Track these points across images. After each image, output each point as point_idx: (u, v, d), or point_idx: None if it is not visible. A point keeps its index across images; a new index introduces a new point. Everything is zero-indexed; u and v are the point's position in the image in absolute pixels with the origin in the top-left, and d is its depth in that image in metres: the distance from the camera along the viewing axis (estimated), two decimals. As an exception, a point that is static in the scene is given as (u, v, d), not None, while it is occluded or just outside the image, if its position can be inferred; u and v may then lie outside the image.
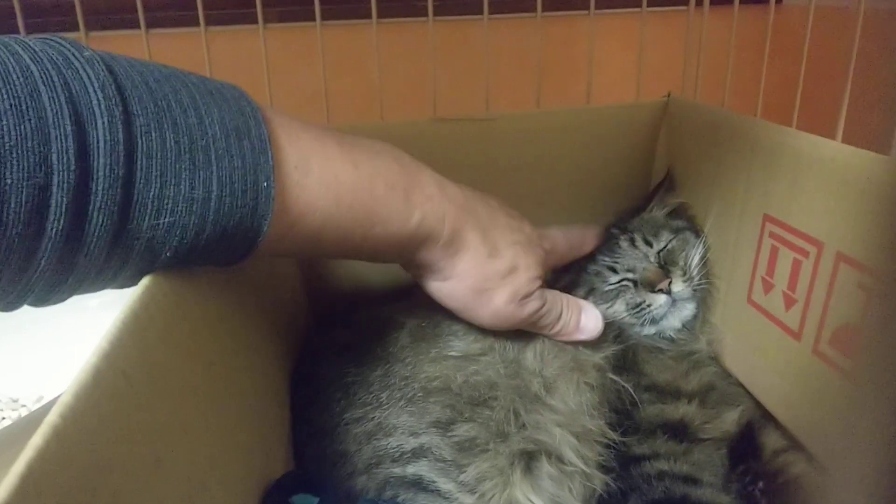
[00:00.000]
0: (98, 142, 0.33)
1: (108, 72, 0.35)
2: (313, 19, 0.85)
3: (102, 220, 0.34)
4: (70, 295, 0.37)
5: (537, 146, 0.82)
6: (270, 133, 0.41)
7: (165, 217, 0.36)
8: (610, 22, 1.01)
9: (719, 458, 0.63)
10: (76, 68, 0.34)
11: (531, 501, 0.55)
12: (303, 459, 0.59)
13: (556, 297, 0.61)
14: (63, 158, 0.32)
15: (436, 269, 0.54)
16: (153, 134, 0.35)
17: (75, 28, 0.80)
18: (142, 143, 0.35)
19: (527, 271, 0.57)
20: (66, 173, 0.32)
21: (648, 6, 0.96)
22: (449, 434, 0.56)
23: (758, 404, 0.66)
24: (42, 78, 0.32)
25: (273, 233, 0.42)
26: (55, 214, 0.32)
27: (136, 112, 0.35)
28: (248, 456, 0.47)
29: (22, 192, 0.31)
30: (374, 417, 0.58)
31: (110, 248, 0.36)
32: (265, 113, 0.42)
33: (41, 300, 0.37)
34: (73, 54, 0.35)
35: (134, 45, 0.82)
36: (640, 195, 0.87)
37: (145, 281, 0.37)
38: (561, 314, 0.61)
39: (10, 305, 0.36)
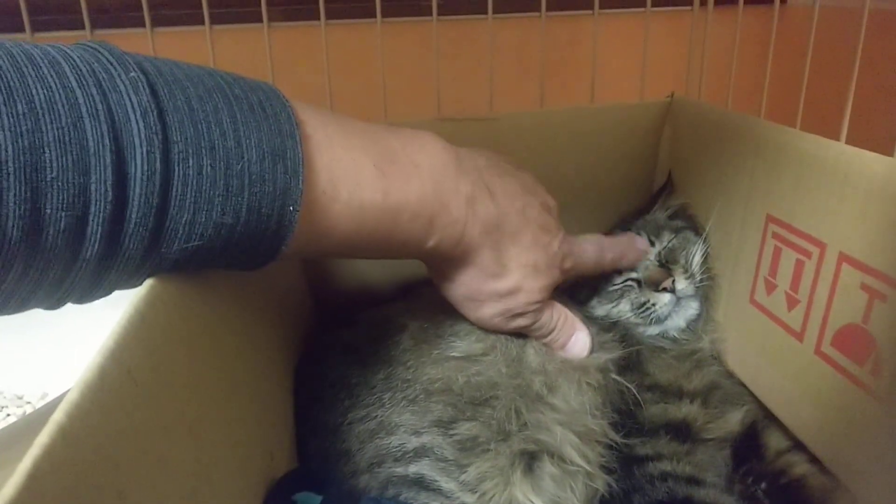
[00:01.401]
0: (136, 171, 0.33)
1: (151, 95, 0.35)
2: (318, 18, 0.85)
3: (134, 245, 0.35)
4: (107, 294, 0.38)
5: (540, 146, 0.83)
6: (306, 153, 0.41)
7: (195, 241, 0.37)
8: (614, 22, 1.01)
9: (722, 458, 0.63)
10: (121, 92, 0.34)
11: (531, 501, 0.55)
12: (306, 458, 0.60)
13: (552, 316, 0.61)
14: (101, 189, 0.32)
15: (438, 269, 0.56)
16: (190, 161, 0.35)
17: (81, 27, 0.80)
18: (178, 170, 0.35)
19: (528, 295, 0.58)
20: (102, 203, 0.32)
21: (653, 6, 0.96)
22: (450, 433, 0.56)
23: (760, 404, 0.66)
24: (86, 106, 0.32)
25: (290, 249, 0.42)
26: (90, 241, 0.33)
27: (175, 139, 0.35)
28: (252, 454, 0.47)
29: (60, 221, 0.31)
30: (376, 416, 0.58)
31: (139, 266, 0.36)
32: (306, 128, 0.42)
33: (79, 301, 0.38)
34: (119, 75, 0.34)
35: (139, 44, 0.83)
36: (644, 195, 0.87)
37: (151, 280, 0.37)
38: (551, 332, 0.62)
39: (52, 307, 0.37)
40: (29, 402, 0.71)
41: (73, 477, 0.26)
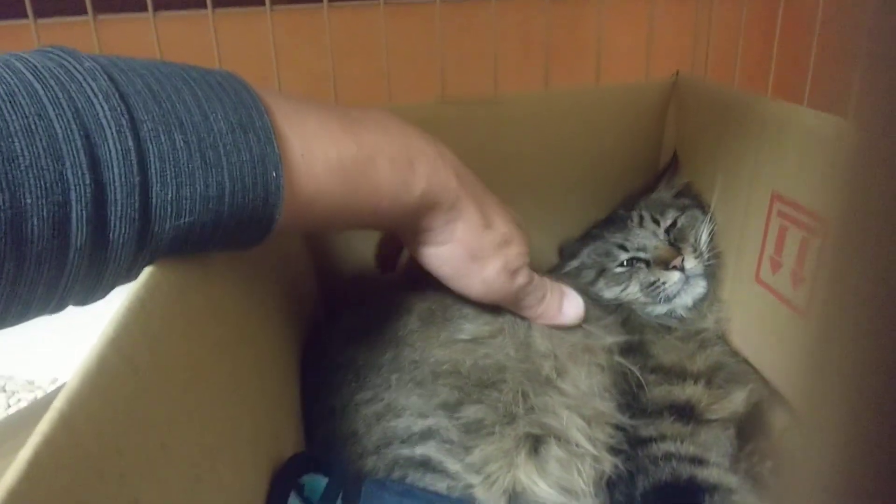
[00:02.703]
0: (110, 152, 0.34)
1: (109, 80, 0.35)
2: (321, 1, 0.85)
3: (125, 228, 0.35)
4: (108, 292, 0.39)
5: (545, 127, 0.82)
6: (273, 123, 0.42)
7: (185, 217, 0.37)
8: (618, 0, 1.00)
9: (727, 438, 0.64)
10: (79, 81, 0.34)
11: (535, 483, 0.55)
12: (313, 441, 0.60)
13: (542, 279, 0.62)
14: (77, 173, 0.33)
15: (435, 235, 0.55)
16: (162, 137, 0.36)
17: (83, 12, 0.80)
18: (152, 147, 0.35)
19: (518, 246, 0.59)
20: (82, 187, 0.33)
21: (657, -17, 0.95)
22: (456, 416, 0.56)
23: (766, 383, 0.66)
24: (47, 95, 0.33)
25: (285, 218, 0.42)
26: (77, 227, 0.33)
27: (141, 118, 0.35)
28: (258, 438, 0.47)
29: (42, 209, 0.32)
30: (383, 399, 0.58)
31: (136, 251, 0.37)
32: (266, 101, 0.43)
33: (82, 301, 0.38)
34: (74, 66, 0.35)
35: (142, 29, 0.83)
36: (649, 174, 0.87)
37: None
38: (545, 296, 0.62)
39: (55, 310, 0.37)
40: (40, 388, 0.72)
41: (74, 464, 0.26)
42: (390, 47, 0.87)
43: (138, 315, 0.33)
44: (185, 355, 0.38)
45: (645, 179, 0.86)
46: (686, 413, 0.63)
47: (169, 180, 0.36)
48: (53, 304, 0.36)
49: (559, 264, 0.82)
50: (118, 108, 0.35)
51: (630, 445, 0.61)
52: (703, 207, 0.75)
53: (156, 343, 0.34)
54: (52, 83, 0.34)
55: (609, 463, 0.59)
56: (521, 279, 0.59)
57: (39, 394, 0.71)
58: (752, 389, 0.66)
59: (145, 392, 0.32)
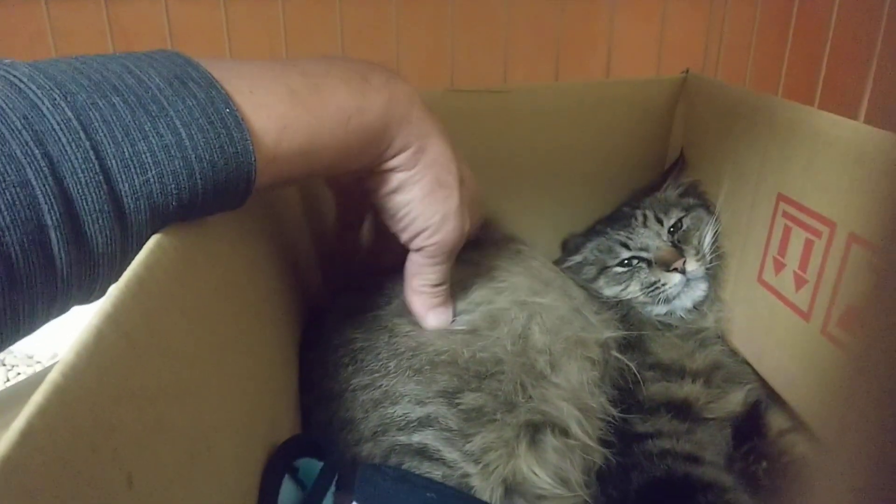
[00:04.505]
0: (51, 125, 0.34)
1: (31, 67, 0.36)
2: (332, -13, 0.85)
3: (94, 195, 0.35)
4: (111, 278, 0.38)
5: (553, 119, 0.82)
6: (212, 71, 0.42)
7: (151, 170, 0.37)
8: (632, -5, 1.00)
9: (723, 437, 0.64)
10: (1, 75, 0.35)
11: (535, 473, 0.55)
12: (310, 425, 0.60)
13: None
14: (27, 150, 0.33)
15: (405, 159, 0.54)
16: (99, 103, 0.36)
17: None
18: (92, 114, 0.36)
19: (470, 190, 0.58)
20: (35, 163, 0.33)
21: (672, -20, 0.95)
22: (455, 403, 0.56)
23: (764, 384, 0.66)
24: None
25: (262, 157, 0.42)
26: (47, 205, 0.33)
27: (73, 90, 0.36)
28: (254, 419, 0.47)
29: (4, 193, 0.32)
30: (381, 385, 0.58)
31: (119, 220, 0.36)
32: (202, 59, 0.43)
33: (85, 295, 0.38)
34: None
35: (154, 11, 0.83)
36: (655, 171, 0.87)
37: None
38: (444, 284, 0.61)
39: (60, 309, 0.37)
40: (39, 362, 0.72)
41: (67, 437, 0.26)
42: (401, 34, 0.87)
43: (136, 290, 0.33)
44: (183, 332, 0.38)
45: (651, 176, 0.86)
46: (683, 411, 0.63)
47: (120, 139, 0.36)
48: (57, 305, 0.36)
49: (561, 258, 0.82)
50: (46, 86, 0.35)
51: (623, 442, 0.61)
52: (708, 207, 0.75)
53: (154, 319, 0.34)
54: None
55: (599, 454, 0.59)
56: (467, 224, 0.58)
57: (38, 368, 0.71)
58: (750, 390, 0.66)
59: (142, 367, 0.32)
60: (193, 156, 0.39)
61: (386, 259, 0.64)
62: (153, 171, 0.37)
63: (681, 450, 0.60)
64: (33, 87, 0.34)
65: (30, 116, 0.33)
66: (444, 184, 0.55)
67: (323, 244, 0.76)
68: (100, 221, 0.35)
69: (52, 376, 0.26)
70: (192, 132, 0.39)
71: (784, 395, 0.63)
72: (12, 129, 0.33)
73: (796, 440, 0.62)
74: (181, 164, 0.38)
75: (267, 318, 0.55)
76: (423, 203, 0.55)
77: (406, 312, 0.62)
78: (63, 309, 0.37)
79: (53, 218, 0.33)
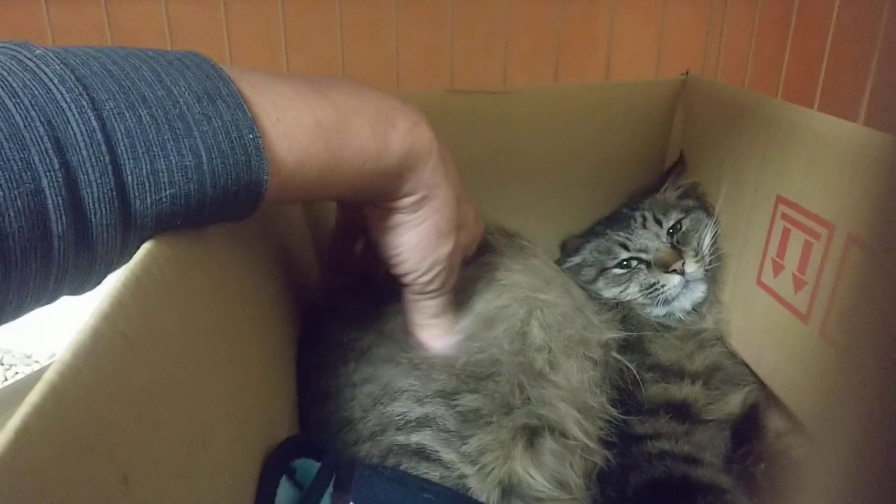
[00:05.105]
0: (75, 135, 0.33)
1: (63, 65, 0.35)
2: (332, -14, 0.85)
3: (105, 209, 0.34)
4: (103, 278, 0.38)
5: (553, 120, 0.82)
6: (241, 91, 0.41)
7: (165, 190, 0.37)
8: (632, -4, 1.00)
9: (722, 439, 0.64)
10: (31, 69, 0.34)
11: (531, 476, 0.55)
12: (308, 424, 0.60)
13: (451, 298, 0.61)
14: (45, 159, 0.32)
15: (411, 202, 0.53)
16: (126, 114, 0.35)
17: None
18: (117, 125, 0.35)
19: (468, 233, 0.59)
20: (52, 173, 0.32)
21: (671, -18, 0.95)
22: (453, 404, 0.56)
23: (763, 385, 0.66)
24: (2, 88, 0.32)
25: (274, 186, 0.42)
26: (56, 214, 0.33)
27: (102, 98, 0.35)
28: (251, 419, 0.47)
29: (16, 200, 0.31)
30: (380, 377, 0.58)
31: (122, 232, 0.36)
32: (231, 73, 0.42)
33: (77, 291, 0.38)
34: (25, 55, 0.34)
35: (154, 11, 0.83)
36: (655, 173, 0.87)
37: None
38: (443, 313, 0.60)
39: (49, 301, 0.37)
40: (37, 362, 0.72)
41: (63, 437, 0.26)
42: (400, 35, 0.87)
43: (133, 290, 0.33)
44: (181, 332, 0.38)
45: (651, 178, 0.86)
46: (682, 412, 0.63)
47: (140, 155, 0.36)
48: (47, 296, 0.36)
49: (560, 260, 0.82)
50: (76, 90, 0.34)
51: (621, 440, 0.61)
52: (707, 209, 0.75)
53: (151, 318, 0.34)
54: (3, 72, 0.33)
55: (600, 455, 0.59)
56: (452, 279, 0.58)
57: (37, 367, 0.71)
58: (749, 391, 0.66)
59: (139, 367, 0.32)
60: (209, 180, 0.39)
61: (380, 268, 0.64)
62: (167, 192, 0.37)
63: (679, 451, 0.60)
64: (62, 91, 0.34)
65: (54, 122, 0.33)
66: (441, 232, 0.55)
67: (322, 245, 0.76)
68: (105, 233, 0.35)
69: (49, 376, 0.26)
70: (213, 156, 0.38)
71: (782, 397, 0.63)
72: (34, 136, 0.32)
73: (794, 442, 0.62)
74: (195, 186, 0.38)
75: (264, 318, 0.55)
76: (416, 248, 0.55)
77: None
78: (51, 302, 0.37)
79: (60, 228, 0.33)
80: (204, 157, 0.38)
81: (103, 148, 0.34)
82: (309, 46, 0.90)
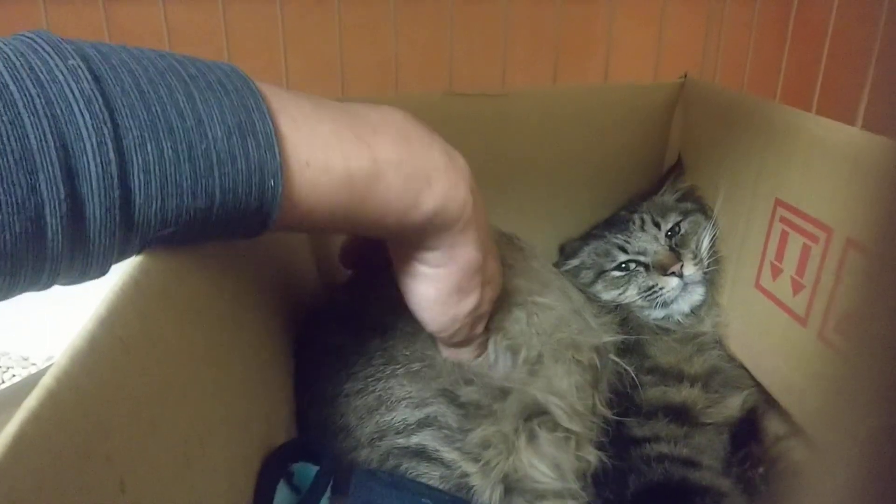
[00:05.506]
0: (88, 165, 0.32)
1: (94, 82, 0.33)
2: (330, -12, 0.84)
3: (105, 241, 0.34)
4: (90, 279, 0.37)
5: (552, 123, 0.82)
6: (278, 128, 0.39)
7: (171, 228, 0.36)
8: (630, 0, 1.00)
9: (721, 442, 0.63)
10: (60, 83, 0.32)
11: (535, 467, 0.55)
12: (306, 428, 0.60)
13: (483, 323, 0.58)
14: (52, 187, 0.31)
15: (432, 257, 0.50)
16: (148, 146, 0.34)
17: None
18: (137, 158, 0.33)
19: (492, 290, 0.56)
20: (56, 202, 0.31)
21: (670, -15, 0.95)
22: (453, 399, 0.56)
23: (762, 389, 0.66)
24: (23, 101, 0.31)
25: (280, 223, 0.41)
26: (53, 241, 0.32)
27: (127, 125, 0.33)
28: (249, 423, 0.47)
29: (15, 225, 0.30)
30: (374, 390, 0.58)
31: (119, 255, 0.35)
32: (272, 103, 0.40)
33: (66, 285, 0.37)
34: (57, 65, 0.32)
35: (151, 12, 0.82)
36: (653, 176, 0.87)
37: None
38: (469, 340, 0.58)
39: (42, 289, 0.36)
40: (34, 364, 0.72)
41: (60, 442, 0.26)
42: (399, 37, 0.87)
43: (131, 295, 0.33)
44: (178, 336, 0.38)
45: (649, 180, 0.86)
46: (681, 415, 0.63)
47: (154, 193, 0.34)
48: (39, 286, 0.35)
49: (559, 262, 0.82)
50: (100, 116, 0.32)
51: (620, 445, 0.61)
52: (705, 212, 0.75)
53: (148, 323, 0.34)
54: (29, 84, 0.31)
55: (594, 455, 0.59)
56: (479, 328, 0.57)
57: (34, 370, 0.71)
58: (748, 394, 0.66)
59: (136, 372, 0.32)
60: (215, 219, 0.37)
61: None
62: (171, 228, 0.36)
63: (678, 454, 0.60)
64: (87, 116, 0.32)
65: (70, 148, 0.31)
66: (462, 289, 0.52)
67: (321, 248, 0.76)
68: (103, 257, 0.34)
69: (46, 381, 0.26)
70: (227, 199, 0.37)
71: (781, 400, 0.63)
72: (45, 161, 0.31)
73: (793, 445, 0.62)
74: (200, 226, 0.37)
75: (262, 321, 0.55)
76: (435, 302, 0.52)
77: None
78: (46, 286, 0.36)
79: (56, 251, 0.32)
80: (217, 200, 0.37)
81: (115, 183, 0.33)
82: (308, 48, 0.90)
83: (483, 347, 0.60)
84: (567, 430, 0.57)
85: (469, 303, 0.53)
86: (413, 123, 0.48)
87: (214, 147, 0.36)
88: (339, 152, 0.42)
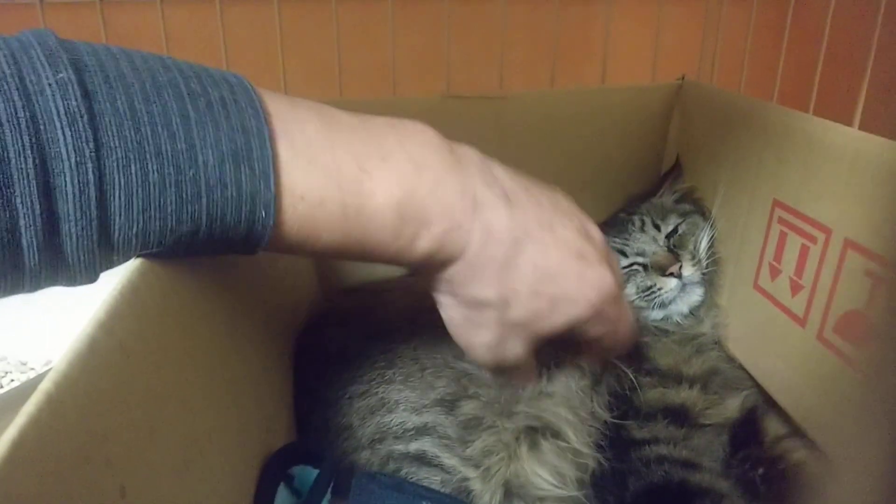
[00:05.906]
0: (66, 184, 0.31)
1: (82, 97, 0.32)
2: (328, -9, 0.85)
3: (83, 258, 0.33)
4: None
5: (549, 125, 0.82)
6: (276, 156, 0.37)
7: (153, 248, 0.35)
8: (628, 2, 1.00)
9: (720, 443, 0.63)
10: (47, 97, 0.31)
11: (537, 475, 0.55)
12: (306, 431, 0.60)
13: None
14: (27, 202, 0.30)
15: (441, 284, 0.47)
16: (132, 167, 0.33)
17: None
18: (119, 179, 0.32)
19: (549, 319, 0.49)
20: (31, 217, 0.30)
21: (667, -13, 0.95)
22: (454, 412, 0.56)
23: (761, 389, 0.66)
24: (6, 114, 0.30)
25: (271, 249, 0.40)
26: (29, 253, 0.31)
27: (112, 145, 0.32)
28: (249, 426, 0.47)
29: None
30: (377, 393, 0.58)
31: (102, 269, 0.35)
32: (275, 125, 0.38)
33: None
34: (47, 77, 0.31)
35: (149, 15, 0.82)
36: (651, 177, 0.87)
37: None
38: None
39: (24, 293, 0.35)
40: (33, 369, 0.72)
41: (59, 446, 0.26)
42: (397, 40, 0.87)
43: (131, 299, 0.33)
44: (178, 341, 0.37)
45: (647, 182, 0.86)
46: (680, 417, 0.63)
47: (135, 215, 0.33)
48: (23, 291, 0.34)
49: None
50: (83, 135, 0.31)
51: (619, 447, 0.61)
52: (704, 213, 0.75)
53: (147, 327, 0.34)
54: (16, 97, 0.30)
55: (593, 459, 0.59)
56: (509, 362, 0.50)
57: (32, 375, 0.71)
58: (747, 395, 0.66)
59: (136, 377, 0.32)
60: (200, 245, 0.36)
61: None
62: (153, 249, 0.35)
63: (678, 456, 0.60)
64: (68, 134, 0.31)
65: (49, 165, 0.31)
66: (473, 322, 0.48)
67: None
68: (85, 270, 0.34)
69: (45, 386, 0.26)
70: (214, 227, 0.36)
71: (780, 401, 0.63)
72: (23, 177, 0.30)
73: (793, 446, 0.62)
74: (184, 249, 0.36)
75: (262, 325, 0.55)
76: (457, 327, 0.49)
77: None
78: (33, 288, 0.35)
79: (32, 265, 0.32)
80: (203, 226, 0.35)
81: (93, 203, 0.32)
82: (305, 51, 0.90)
83: (528, 378, 0.57)
84: (570, 439, 0.57)
85: (483, 336, 0.48)
86: (435, 148, 0.45)
87: (204, 173, 0.35)
88: (337, 186, 0.39)
